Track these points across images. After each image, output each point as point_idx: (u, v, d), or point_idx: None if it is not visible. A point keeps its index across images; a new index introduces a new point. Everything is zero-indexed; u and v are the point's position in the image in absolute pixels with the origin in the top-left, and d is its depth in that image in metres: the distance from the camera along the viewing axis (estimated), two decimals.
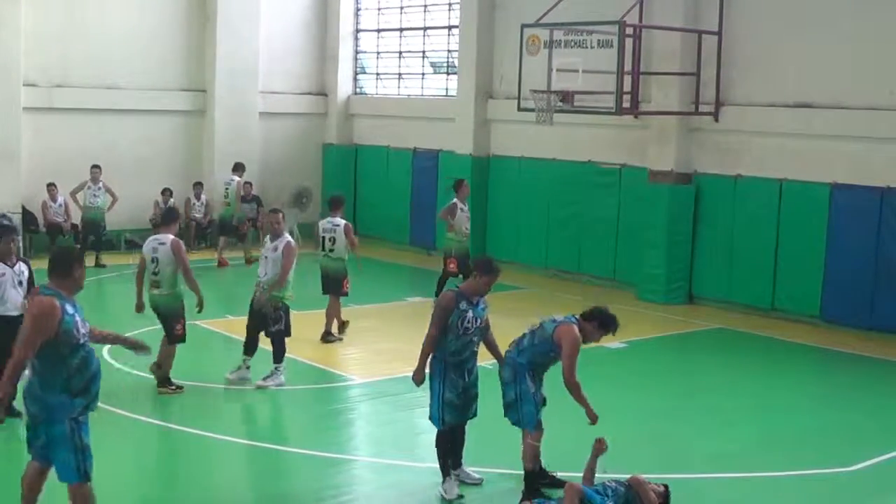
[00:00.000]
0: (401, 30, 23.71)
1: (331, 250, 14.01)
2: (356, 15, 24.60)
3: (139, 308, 11.58)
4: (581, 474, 8.25)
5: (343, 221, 14.11)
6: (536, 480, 8.51)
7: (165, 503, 8.73)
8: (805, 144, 16.15)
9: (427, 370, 8.47)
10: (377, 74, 24.50)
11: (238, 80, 22.56)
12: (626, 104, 16.25)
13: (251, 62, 22.81)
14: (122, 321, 12.54)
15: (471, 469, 8.90)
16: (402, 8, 23.68)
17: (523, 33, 17.01)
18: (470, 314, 8.33)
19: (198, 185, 21.83)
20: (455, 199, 16.31)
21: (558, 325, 8.36)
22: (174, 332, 11.38)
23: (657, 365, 13.84)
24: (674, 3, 17.24)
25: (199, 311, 11.44)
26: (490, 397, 8.71)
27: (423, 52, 23.37)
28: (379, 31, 24.27)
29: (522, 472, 8.53)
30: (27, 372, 6.77)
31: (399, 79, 23.93)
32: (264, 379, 11.75)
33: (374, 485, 9.17)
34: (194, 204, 21.68)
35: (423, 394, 8.77)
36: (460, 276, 15.42)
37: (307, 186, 22.98)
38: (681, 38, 17.17)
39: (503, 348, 8.71)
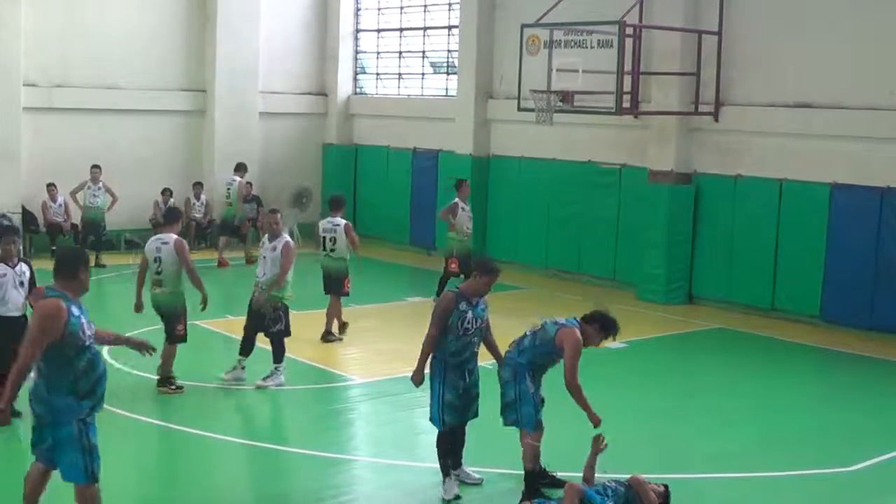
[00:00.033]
0: (401, 30, 23.71)
1: (332, 250, 14.02)
2: (356, 15, 24.59)
3: (138, 308, 11.58)
4: (581, 474, 8.25)
5: (343, 221, 14.12)
6: (536, 480, 8.51)
7: (165, 503, 8.73)
8: (805, 144, 16.15)
9: (427, 371, 8.47)
10: (377, 74, 24.50)
11: (238, 80, 22.56)
12: (626, 104, 16.25)
13: (251, 62, 22.81)
14: (122, 321, 12.52)
15: (471, 469, 8.90)
16: (402, 8, 23.68)
17: (523, 33, 17.00)
18: (470, 315, 8.33)
19: (198, 185, 21.83)
20: (456, 199, 16.34)
21: (560, 327, 8.36)
22: (175, 332, 11.39)
23: (657, 365, 13.84)
24: (674, 3, 17.24)
25: (203, 309, 11.46)
26: (490, 397, 8.70)
27: (423, 52, 23.36)
28: (379, 31, 24.27)
29: (522, 472, 8.52)
30: (32, 374, 6.75)
31: (399, 79, 23.93)
32: (264, 379, 11.75)
33: (374, 485, 9.17)
34: (194, 204, 21.68)
35: (423, 394, 8.77)
36: (462, 276, 15.43)
37: (307, 186, 22.95)
38: (681, 38, 17.17)
39: (503, 349, 8.71)
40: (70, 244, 19.72)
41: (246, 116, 22.84)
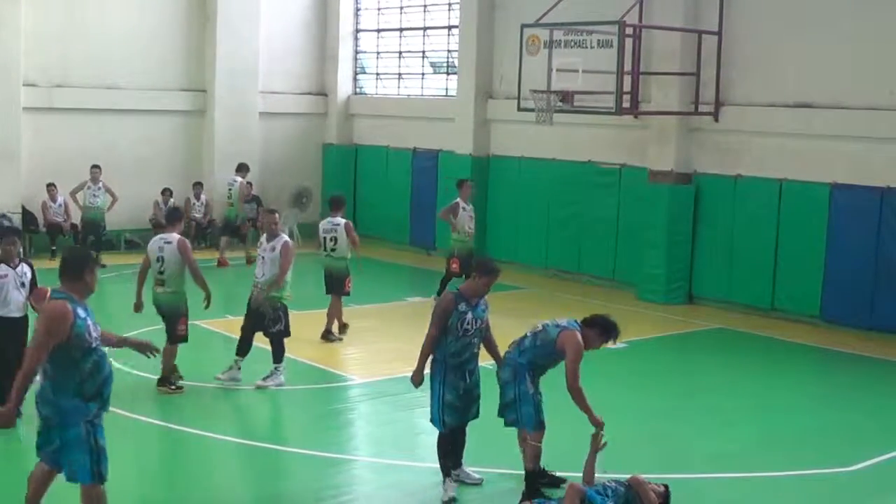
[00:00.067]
0: (401, 30, 23.71)
1: (333, 250, 14.03)
2: (356, 15, 24.60)
3: (138, 307, 11.59)
4: (580, 474, 8.25)
5: (343, 221, 14.12)
6: (537, 480, 8.51)
7: (165, 503, 8.73)
8: (805, 144, 16.14)
9: (428, 371, 8.46)
10: (377, 74, 24.50)
11: (238, 80, 22.56)
12: (625, 104, 16.25)
13: (251, 62, 22.81)
14: (122, 321, 12.53)
15: (471, 469, 8.89)
16: (401, 8, 23.68)
17: (523, 33, 17.00)
18: (469, 315, 8.31)
19: (197, 185, 21.84)
20: (458, 199, 16.36)
21: (562, 330, 8.33)
22: (177, 332, 11.39)
23: (657, 365, 13.84)
24: (674, 3, 17.24)
25: (207, 307, 11.48)
26: (491, 398, 8.70)
27: (423, 52, 23.36)
28: (379, 31, 24.27)
29: (522, 472, 8.52)
30: (38, 377, 6.73)
31: (399, 79, 23.93)
32: (264, 379, 11.74)
33: (374, 485, 9.17)
34: (194, 204, 21.68)
35: (424, 394, 8.77)
36: (463, 276, 15.42)
37: (307, 186, 22.97)
38: (681, 38, 17.17)
39: (503, 349, 8.70)
40: (70, 244, 19.73)
41: (246, 116, 22.84)
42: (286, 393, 11.72)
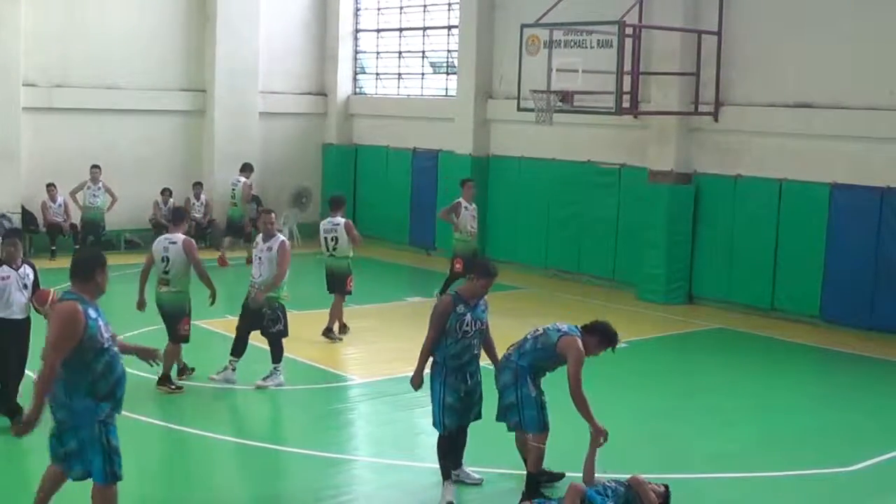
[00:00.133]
0: (400, 30, 23.71)
1: (334, 249, 14.05)
2: (356, 15, 24.59)
3: (140, 306, 11.59)
4: (580, 474, 8.25)
5: (343, 220, 14.13)
6: (537, 481, 8.50)
7: (165, 503, 8.72)
8: (805, 144, 16.14)
9: (429, 373, 8.46)
10: (377, 74, 24.50)
11: (238, 80, 22.56)
12: (625, 104, 16.24)
13: (251, 62, 22.81)
14: (122, 321, 12.49)
15: (471, 469, 8.90)
16: (401, 8, 23.68)
17: (523, 33, 17.00)
18: (468, 317, 8.29)
19: (197, 185, 21.84)
20: (459, 199, 16.37)
21: (563, 335, 8.28)
22: (179, 332, 11.40)
23: (657, 365, 13.84)
24: (674, 3, 17.24)
25: (212, 304, 11.51)
26: (491, 398, 8.69)
27: (423, 52, 23.36)
28: (378, 31, 24.27)
29: (523, 473, 8.51)
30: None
31: (399, 79, 23.93)
32: (264, 379, 11.74)
33: (374, 485, 9.17)
34: (194, 204, 21.67)
35: (424, 394, 8.76)
36: (466, 276, 15.40)
37: (307, 186, 22.98)
38: (680, 38, 17.16)
39: (501, 351, 8.67)
40: (70, 244, 19.74)
41: (246, 116, 22.84)
42: (286, 393, 11.72)
